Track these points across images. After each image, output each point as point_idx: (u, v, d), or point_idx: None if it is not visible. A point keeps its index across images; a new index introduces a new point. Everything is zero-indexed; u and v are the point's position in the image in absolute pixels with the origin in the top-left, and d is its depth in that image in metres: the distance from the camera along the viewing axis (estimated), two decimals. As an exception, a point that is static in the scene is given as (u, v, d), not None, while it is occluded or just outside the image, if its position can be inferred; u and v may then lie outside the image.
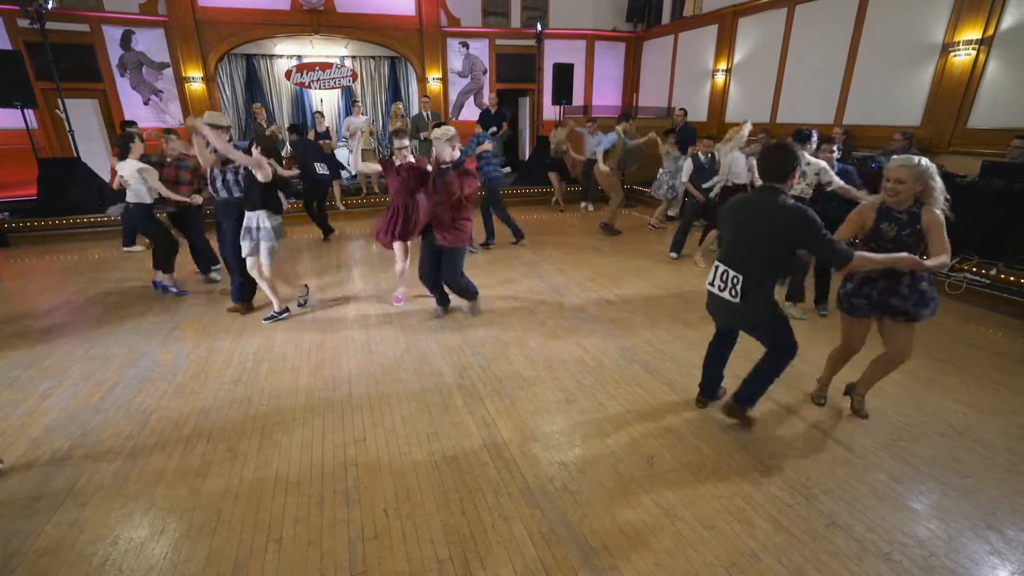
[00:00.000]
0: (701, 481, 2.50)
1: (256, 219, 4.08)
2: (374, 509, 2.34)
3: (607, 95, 12.66)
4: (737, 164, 5.39)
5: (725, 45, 9.72)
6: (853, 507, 2.32)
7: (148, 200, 4.88)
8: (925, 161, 2.51)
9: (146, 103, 9.79)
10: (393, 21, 10.67)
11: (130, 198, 4.86)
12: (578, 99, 11.73)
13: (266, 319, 4.42)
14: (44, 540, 2.18)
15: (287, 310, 4.54)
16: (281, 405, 3.19)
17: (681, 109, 8.99)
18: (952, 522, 2.24)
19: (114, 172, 5.43)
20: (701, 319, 4.44)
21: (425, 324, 4.37)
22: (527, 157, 12.22)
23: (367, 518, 2.29)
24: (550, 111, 11.32)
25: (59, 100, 7.87)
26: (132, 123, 7.09)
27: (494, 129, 8.70)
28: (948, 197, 2.55)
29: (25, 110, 7.32)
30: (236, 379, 3.51)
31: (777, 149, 2.50)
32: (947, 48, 6.36)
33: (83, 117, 9.02)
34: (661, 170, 7.55)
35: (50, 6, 7.33)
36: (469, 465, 2.63)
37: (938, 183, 2.51)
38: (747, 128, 5.38)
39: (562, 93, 10.18)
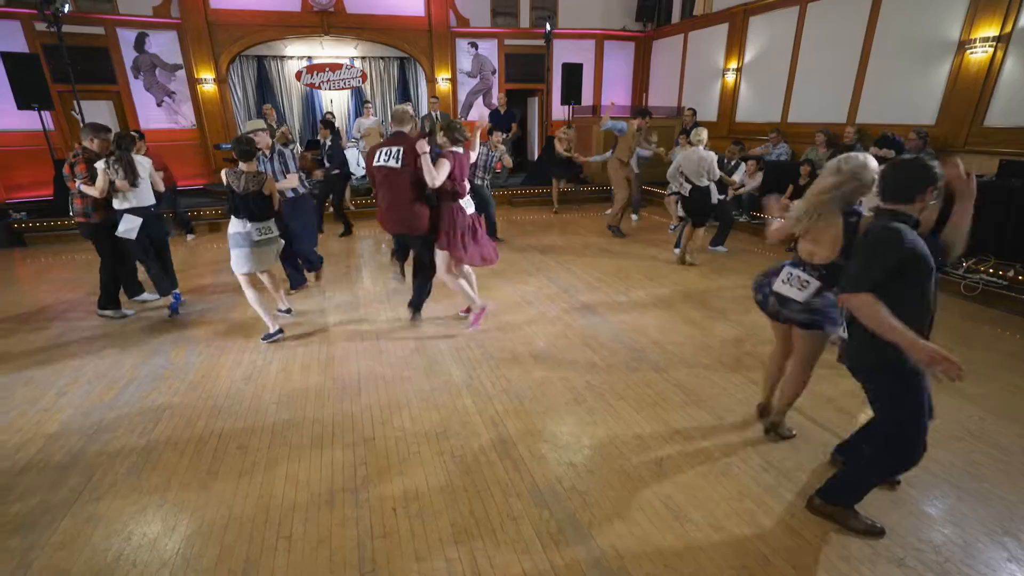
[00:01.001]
0: (710, 483, 2.49)
1: (261, 229, 3.92)
2: (383, 508, 2.35)
3: (616, 95, 12.60)
4: (688, 163, 5.68)
5: (736, 44, 9.64)
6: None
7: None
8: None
9: (159, 104, 9.91)
10: (402, 22, 10.70)
11: (141, 202, 4.26)
12: (587, 99, 11.70)
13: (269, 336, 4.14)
14: (60, 535, 2.22)
15: (280, 331, 4.17)
16: (291, 403, 3.22)
17: (690, 109, 8.94)
18: (968, 528, 2.21)
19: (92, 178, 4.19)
20: (710, 320, 4.41)
21: (434, 324, 4.38)
22: (536, 157, 12.22)
23: (376, 516, 2.30)
24: (559, 111, 11.30)
25: (75, 102, 7.99)
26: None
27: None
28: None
29: (42, 112, 7.44)
30: (247, 377, 3.54)
31: (904, 164, 1.92)
32: (963, 45, 6.25)
33: (98, 118, 9.03)
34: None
35: (66, 9, 7.43)
36: (478, 464, 2.63)
37: None
38: (704, 132, 5.76)
39: (571, 93, 10.17)
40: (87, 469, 2.63)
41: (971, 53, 6.17)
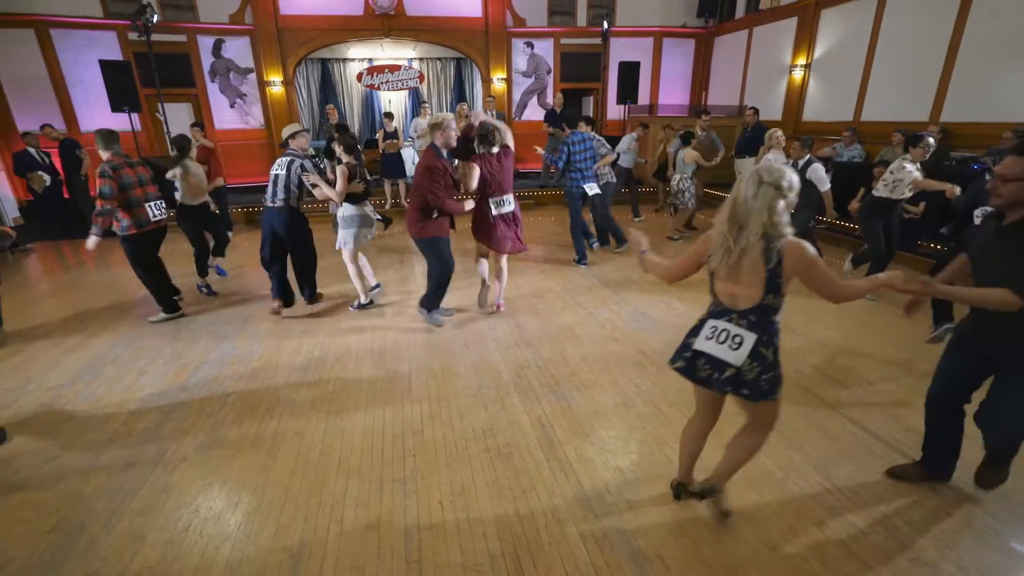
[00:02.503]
0: (766, 500, 2.37)
1: (340, 209, 4.49)
2: (430, 500, 2.39)
3: (674, 93, 12.28)
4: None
5: (805, 39, 9.16)
6: (941, 543, 2.12)
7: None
8: None
9: (232, 106, 10.56)
10: (460, 23, 10.87)
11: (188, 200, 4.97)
12: (643, 98, 11.46)
13: (353, 307, 4.73)
14: (138, 502, 2.41)
15: (371, 302, 4.76)
16: (345, 393, 3.34)
17: (752, 108, 8.56)
18: (1062, 568, 2.00)
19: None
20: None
21: (484, 322, 4.42)
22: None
23: (423, 508, 2.34)
24: (614, 110, 11.14)
25: (159, 105, 8.65)
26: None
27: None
28: None
29: (131, 114, 8.11)
30: (304, 366, 3.70)
31: None
32: (1071, 35, 5.67)
33: (178, 119, 9.83)
34: (679, 176, 6.82)
35: (155, 19, 8.06)
36: (524, 464, 2.63)
37: None
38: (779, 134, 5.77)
39: (627, 92, 10.00)
40: (163, 444, 2.84)
41: (1080, 44, 5.58)
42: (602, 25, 10.20)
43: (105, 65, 7.94)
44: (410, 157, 9.86)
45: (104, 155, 4.08)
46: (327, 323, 4.46)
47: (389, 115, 8.84)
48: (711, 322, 1.97)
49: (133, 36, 8.91)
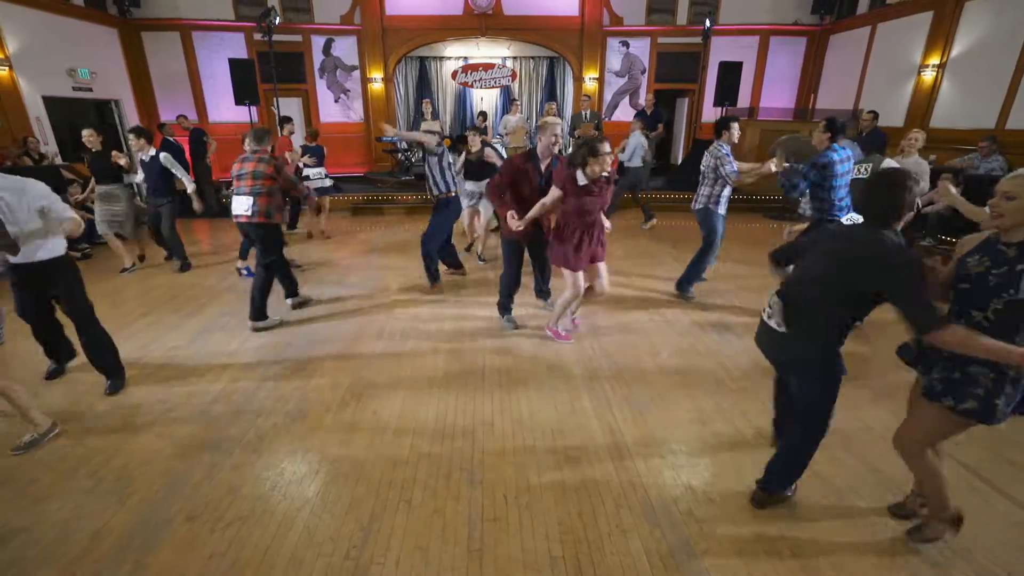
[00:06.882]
0: (854, 540, 2.16)
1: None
2: (495, 493, 2.42)
3: (778, 96, 11.49)
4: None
5: (941, 35, 8.19)
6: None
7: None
8: None
9: (336, 101, 11.31)
10: (556, 22, 10.87)
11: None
12: (743, 100, 10.82)
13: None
14: (235, 458, 2.66)
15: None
16: (421, 378, 3.47)
17: (870, 112, 7.79)
18: None
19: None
20: (874, 358, 3.82)
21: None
22: (680, 161, 11.65)
23: (488, 500, 2.38)
24: (710, 112, 10.62)
25: (275, 99, 9.46)
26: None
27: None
28: None
29: (250, 107, 8.95)
30: (384, 351, 3.89)
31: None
32: None
33: (289, 112, 10.69)
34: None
35: (277, 21, 8.83)
36: (591, 469, 2.59)
37: None
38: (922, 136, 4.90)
39: (726, 94, 9.48)
40: (257, 409, 3.11)
41: None
42: (704, 23, 9.74)
43: (233, 63, 8.82)
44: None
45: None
46: (409, 311, 4.65)
47: (483, 114, 9.04)
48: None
49: (257, 36, 9.82)
